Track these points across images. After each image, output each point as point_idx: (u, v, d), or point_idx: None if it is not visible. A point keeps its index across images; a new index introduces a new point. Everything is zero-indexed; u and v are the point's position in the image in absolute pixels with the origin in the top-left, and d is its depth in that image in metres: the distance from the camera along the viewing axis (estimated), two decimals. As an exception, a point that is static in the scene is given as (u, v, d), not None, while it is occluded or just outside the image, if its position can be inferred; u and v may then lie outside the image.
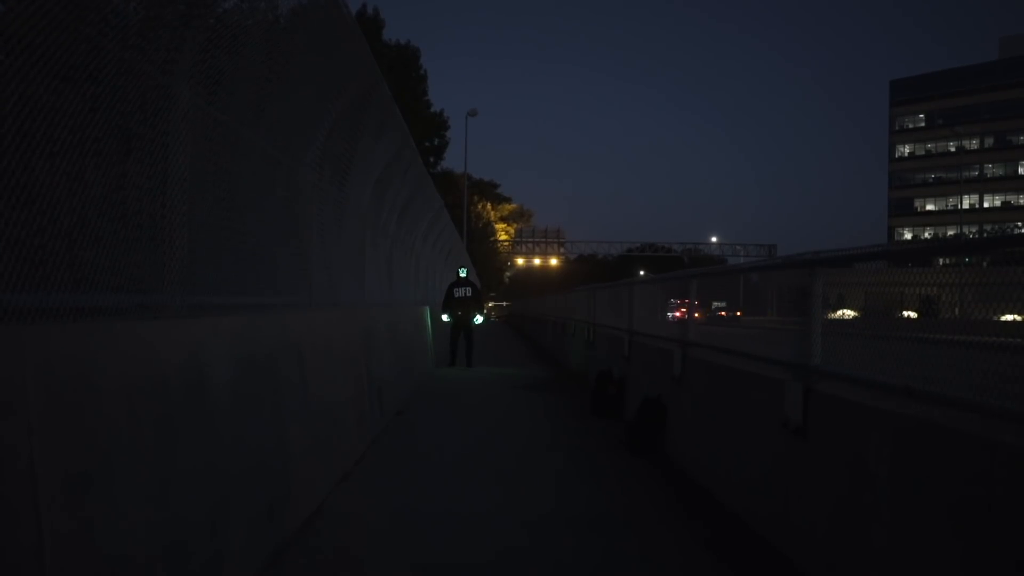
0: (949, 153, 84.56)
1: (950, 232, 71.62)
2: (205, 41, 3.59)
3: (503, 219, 76.35)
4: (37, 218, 2.46)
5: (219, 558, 3.40)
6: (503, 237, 75.08)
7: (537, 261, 76.80)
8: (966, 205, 79.69)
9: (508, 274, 79.16)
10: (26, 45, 2.36)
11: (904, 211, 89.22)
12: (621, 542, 4.57)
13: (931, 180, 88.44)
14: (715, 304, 7.23)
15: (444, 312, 15.13)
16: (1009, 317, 2.98)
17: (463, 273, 15.50)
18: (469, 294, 15.16)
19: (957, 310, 3.37)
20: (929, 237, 64.22)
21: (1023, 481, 2.46)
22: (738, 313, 6.69)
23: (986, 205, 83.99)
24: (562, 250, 77.21)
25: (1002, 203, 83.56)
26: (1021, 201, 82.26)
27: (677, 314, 8.02)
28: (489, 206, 71.12)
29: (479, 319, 15.57)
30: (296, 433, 4.74)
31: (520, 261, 78.38)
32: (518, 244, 76.45)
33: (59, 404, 2.36)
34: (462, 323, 15.09)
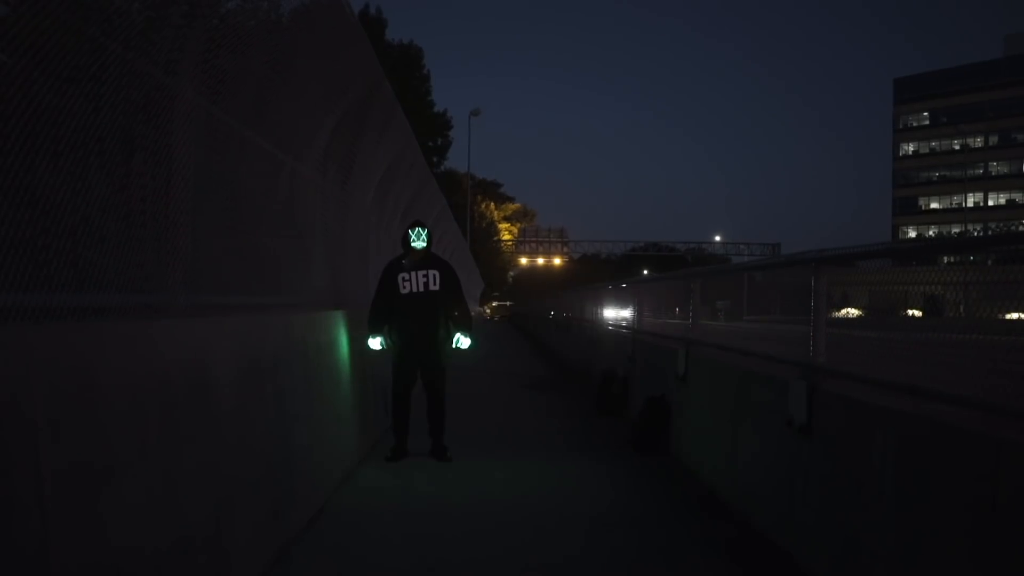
0: (953, 151, 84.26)
1: (955, 230, 71.40)
2: (208, 42, 3.60)
3: (506, 219, 76.26)
4: (41, 218, 2.46)
5: (225, 556, 3.41)
6: (506, 237, 75.00)
7: (540, 261, 76.73)
8: (970, 203, 79.42)
9: (512, 274, 79.08)
10: (29, 45, 2.36)
11: (908, 209, 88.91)
12: (627, 540, 4.56)
13: (935, 178, 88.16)
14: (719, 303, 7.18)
15: (374, 330, 6.67)
16: (1015, 315, 2.97)
17: (417, 240, 6.62)
18: (435, 285, 6.64)
19: (962, 308, 3.36)
20: (934, 235, 64.09)
21: (1029, 479, 2.45)
22: None
23: (991, 203, 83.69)
24: (566, 250, 77.18)
25: (1007, 201, 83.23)
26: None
27: None
28: (492, 206, 71.06)
29: (465, 343, 6.76)
30: (300, 432, 4.75)
31: (523, 261, 78.32)
32: (521, 244, 76.36)
33: (64, 404, 2.36)
34: (417, 359, 6.73)
